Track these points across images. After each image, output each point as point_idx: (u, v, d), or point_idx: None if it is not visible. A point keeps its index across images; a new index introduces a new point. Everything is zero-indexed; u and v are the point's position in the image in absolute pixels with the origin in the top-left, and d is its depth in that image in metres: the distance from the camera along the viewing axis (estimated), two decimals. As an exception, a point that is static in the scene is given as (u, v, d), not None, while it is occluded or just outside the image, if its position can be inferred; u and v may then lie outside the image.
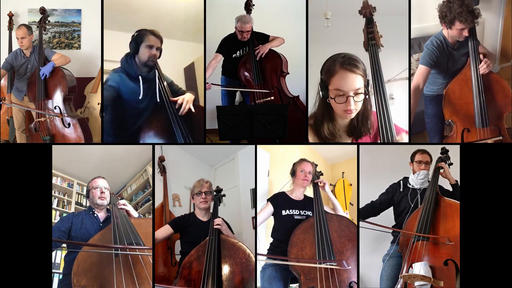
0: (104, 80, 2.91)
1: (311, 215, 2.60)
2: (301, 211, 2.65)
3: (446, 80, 2.97)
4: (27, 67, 3.37)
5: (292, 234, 2.49)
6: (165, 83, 2.90)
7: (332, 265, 2.32)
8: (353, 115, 2.20)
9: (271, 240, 2.68)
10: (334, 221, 2.52)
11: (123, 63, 2.90)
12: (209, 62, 3.29)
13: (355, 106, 2.16)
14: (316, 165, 2.79)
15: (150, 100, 2.89)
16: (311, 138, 2.36)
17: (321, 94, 2.22)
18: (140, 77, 2.87)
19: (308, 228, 2.50)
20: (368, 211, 2.78)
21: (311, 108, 2.38)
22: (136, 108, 2.87)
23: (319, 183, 2.71)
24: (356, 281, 2.34)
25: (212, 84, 3.21)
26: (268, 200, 2.72)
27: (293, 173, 2.76)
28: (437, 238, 2.36)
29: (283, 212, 2.64)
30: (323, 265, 2.32)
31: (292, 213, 2.64)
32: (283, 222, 2.63)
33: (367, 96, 2.21)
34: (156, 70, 2.90)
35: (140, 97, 2.86)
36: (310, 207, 2.64)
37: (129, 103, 2.87)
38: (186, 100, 2.83)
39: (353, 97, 2.14)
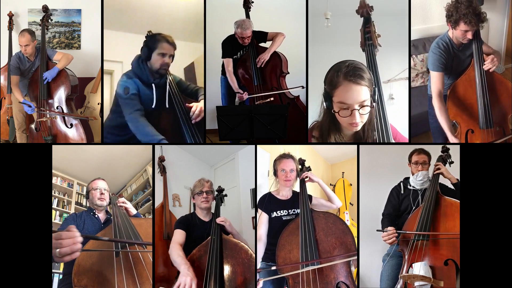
0: (121, 86, 2.86)
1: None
2: (289, 210, 2.60)
3: (450, 81, 2.97)
4: (31, 70, 3.37)
5: (280, 237, 2.45)
6: (176, 89, 2.89)
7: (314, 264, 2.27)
8: (359, 127, 2.09)
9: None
10: (320, 219, 2.45)
11: (135, 68, 2.87)
12: (228, 72, 3.31)
13: (361, 119, 2.04)
14: (304, 160, 2.70)
15: (159, 102, 2.88)
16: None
17: (325, 105, 2.10)
18: (153, 85, 2.85)
19: (295, 229, 2.45)
20: (393, 220, 2.70)
21: (314, 115, 2.28)
22: (148, 110, 2.87)
23: (304, 178, 2.62)
24: (345, 282, 2.28)
25: (247, 92, 3.23)
26: (257, 207, 2.65)
27: (274, 172, 2.69)
28: (437, 235, 2.34)
29: (272, 215, 2.60)
30: (309, 268, 2.27)
31: (280, 214, 2.60)
32: (272, 225, 2.59)
33: (373, 106, 2.08)
34: (168, 76, 2.89)
35: (153, 106, 2.84)
36: (298, 204, 2.57)
37: (144, 107, 2.87)
38: (200, 107, 2.82)
39: (358, 110, 2.01)
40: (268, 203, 2.64)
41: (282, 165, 2.65)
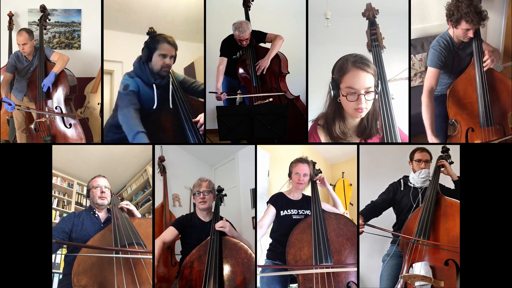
0: (121, 85, 2.86)
1: (309, 214, 2.58)
2: (299, 211, 2.63)
3: (451, 80, 2.97)
4: (30, 69, 3.37)
5: (290, 234, 2.47)
6: (179, 89, 2.88)
7: (328, 267, 2.30)
8: (363, 114, 2.23)
9: (270, 240, 2.66)
10: (332, 219, 2.50)
11: (137, 69, 2.86)
12: (217, 68, 3.30)
13: (366, 104, 2.20)
14: (315, 163, 2.74)
15: (162, 103, 2.87)
16: (322, 139, 2.36)
17: (332, 93, 2.26)
18: (154, 86, 2.84)
19: (306, 227, 2.48)
20: (370, 212, 2.74)
21: (320, 109, 2.38)
22: (150, 110, 2.86)
23: (317, 181, 2.68)
24: (355, 281, 2.32)
25: (210, 92, 3.20)
26: (268, 202, 2.70)
27: (289, 174, 2.75)
28: (438, 244, 2.34)
29: (282, 213, 2.63)
30: (319, 270, 2.30)
31: (290, 213, 2.63)
32: (281, 223, 2.61)
33: (376, 96, 2.24)
34: (170, 76, 2.88)
35: (154, 107, 2.83)
36: (308, 206, 2.62)
37: (144, 107, 2.86)
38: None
39: (364, 95, 2.17)
40: (279, 200, 2.67)
41: (297, 169, 2.69)
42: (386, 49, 2.62)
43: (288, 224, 2.56)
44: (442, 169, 2.61)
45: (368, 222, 2.60)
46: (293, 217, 2.61)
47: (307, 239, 2.43)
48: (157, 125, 2.85)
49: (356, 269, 2.38)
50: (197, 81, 3.09)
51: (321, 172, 2.75)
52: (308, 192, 2.71)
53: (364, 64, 2.18)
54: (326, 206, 2.68)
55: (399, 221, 2.71)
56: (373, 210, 2.76)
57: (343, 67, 2.21)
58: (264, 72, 3.29)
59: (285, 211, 2.63)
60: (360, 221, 2.60)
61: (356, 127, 2.33)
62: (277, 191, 2.77)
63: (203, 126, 2.85)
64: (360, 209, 2.76)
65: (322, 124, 2.35)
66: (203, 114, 2.86)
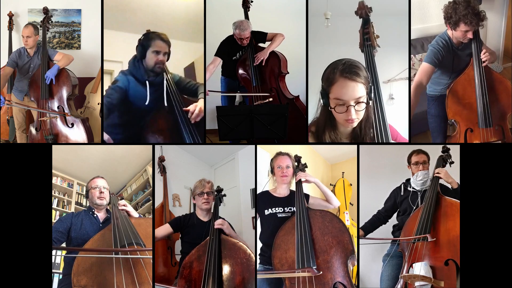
0: (113, 80, 2.88)
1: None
2: (285, 208, 2.56)
3: (450, 80, 2.97)
4: (30, 67, 3.37)
5: (276, 236, 2.41)
6: (173, 87, 2.88)
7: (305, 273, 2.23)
8: (355, 124, 2.12)
9: (261, 244, 2.60)
10: (317, 217, 2.40)
11: (131, 67, 2.88)
12: (207, 66, 3.28)
13: (356, 115, 2.07)
14: (300, 157, 2.66)
15: (157, 102, 2.88)
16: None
17: (322, 102, 2.14)
18: (147, 82, 2.85)
19: (291, 228, 2.40)
20: (375, 224, 2.76)
21: (313, 113, 2.30)
22: (143, 109, 2.86)
23: (301, 179, 2.58)
24: (342, 282, 2.24)
25: (209, 91, 3.18)
26: (257, 206, 2.63)
27: (271, 170, 2.67)
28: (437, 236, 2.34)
29: (266, 212, 2.57)
30: (298, 274, 2.24)
31: (274, 211, 2.56)
32: (267, 222, 2.56)
33: (369, 103, 2.12)
34: (165, 74, 2.88)
35: (146, 103, 2.84)
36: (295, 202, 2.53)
37: (136, 106, 2.86)
38: (199, 107, 2.82)
39: (354, 106, 2.04)
40: (262, 201, 2.61)
41: (278, 162, 2.63)
42: (386, 48, 2.57)
43: (273, 224, 2.50)
44: (440, 175, 2.57)
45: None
46: (278, 216, 2.53)
47: (292, 241, 2.35)
48: (152, 125, 2.85)
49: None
50: (192, 81, 3.08)
51: (307, 166, 2.65)
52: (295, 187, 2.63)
53: (353, 73, 2.02)
54: (317, 201, 2.61)
55: (399, 223, 2.70)
56: (378, 221, 2.76)
57: (330, 76, 2.06)
58: (263, 64, 3.28)
59: (270, 209, 2.56)
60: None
61: (349, 134, 2.24)
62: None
63: (198, 117, 2.83)
64: (361, 210, 2.76)
65: (314, 131, 2.26)
66: (193, 104, 2.85)
